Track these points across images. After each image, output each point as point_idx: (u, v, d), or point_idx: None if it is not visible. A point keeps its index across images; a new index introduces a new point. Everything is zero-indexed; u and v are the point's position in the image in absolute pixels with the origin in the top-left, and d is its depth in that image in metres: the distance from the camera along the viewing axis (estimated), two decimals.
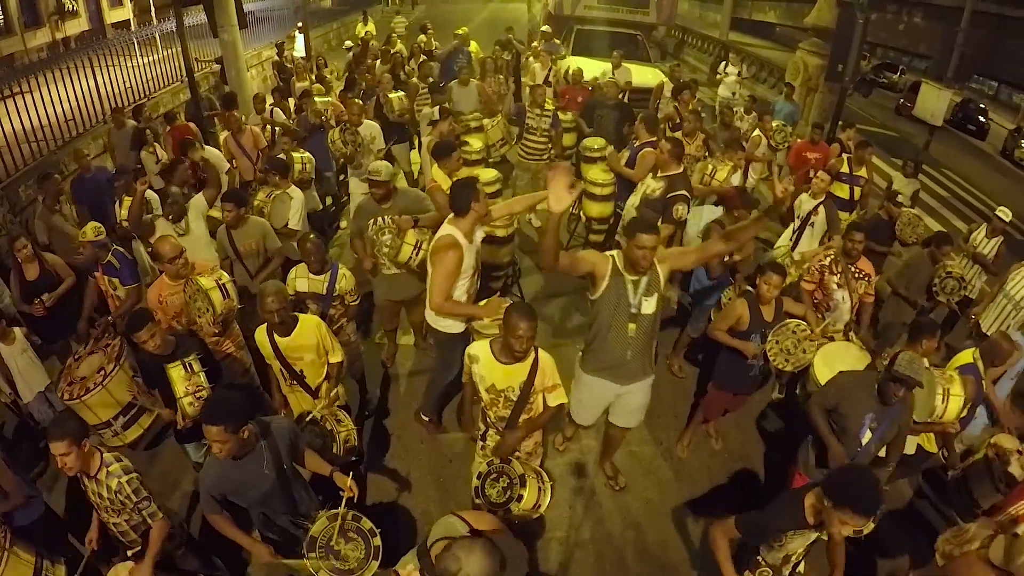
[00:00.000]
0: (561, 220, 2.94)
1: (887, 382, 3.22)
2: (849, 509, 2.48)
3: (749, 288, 4.48)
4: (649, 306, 3.34)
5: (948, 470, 4.11)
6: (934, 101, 10.42)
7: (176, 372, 3.34)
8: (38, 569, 2.89)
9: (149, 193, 5.54)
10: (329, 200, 7.62)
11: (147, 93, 9.38)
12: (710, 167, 5.74)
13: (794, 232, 5.61)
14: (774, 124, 8.42)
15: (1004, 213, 5.69)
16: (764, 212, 3.29)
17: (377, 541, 2.76)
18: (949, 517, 4.12)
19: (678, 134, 6.51)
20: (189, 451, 3.98)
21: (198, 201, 4.98)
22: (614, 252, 3.40)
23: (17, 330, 4.30)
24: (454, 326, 4.00)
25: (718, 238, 3.51)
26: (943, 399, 3.52)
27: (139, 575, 2.84)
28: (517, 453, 3.38)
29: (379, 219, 4.39)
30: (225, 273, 4.02)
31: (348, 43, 14.20)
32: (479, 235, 3.92)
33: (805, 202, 5.60)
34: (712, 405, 4.47)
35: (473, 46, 10.66)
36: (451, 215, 3.80)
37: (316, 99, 6.90)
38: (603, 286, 3.34)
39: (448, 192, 3.95)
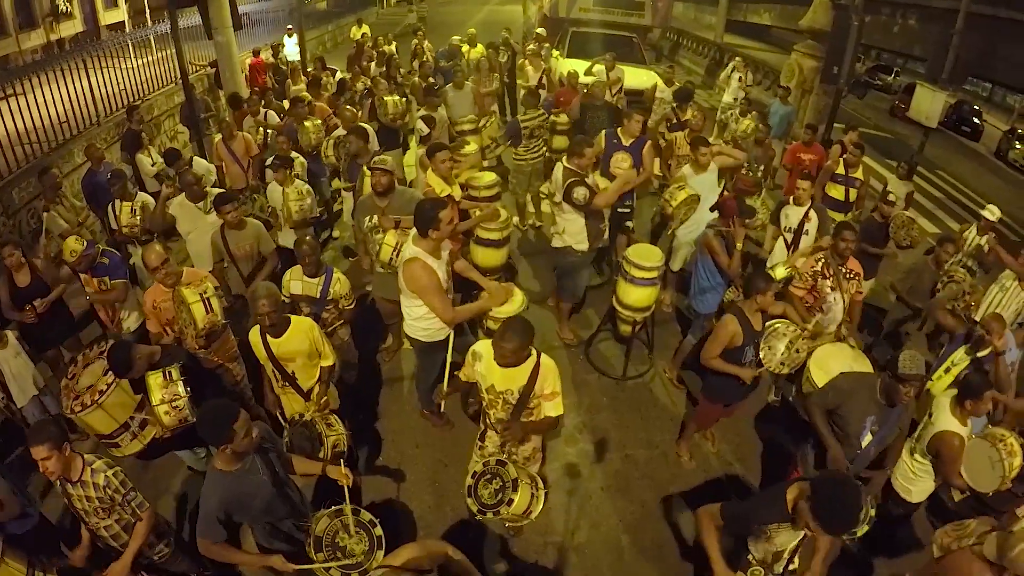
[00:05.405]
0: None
1: (894, 384, 3.21)
2: (820, 527, 2.46)
3: (734, 301, 4.40)
4: None
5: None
6: (929, 103, 10.47)
7: (154, 380, 3.29)
8: None
9: (144, 197, 5.55)
10: (321, 209, 7.59)
11: (141, 95, 9.34)
12: (672, 188, 5.34)
13: (788, 245, 5.36)
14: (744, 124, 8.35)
15: (991, 212, 5.76)
16: None
17: (379, 531, 2.79)
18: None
19: (680, 134, 6.43)
20: (185, 458, 3.95)
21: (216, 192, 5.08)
22: None
23: (10, 333, 4.29)
24: (435, 334, 3.99)
25: None
26: (1005, 475, 3.39)
27: (119, 567, 2.88)
28: (514, 457, 3.38)
29: (372, 218, 4.52)
30: (212, 286, 3.91)
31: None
32: (446, 253, 3.93)
33: (792, 212, 5.35)
34: (704, 416, 4.46)
35: (479, 49, 10.74)
36: (415, 234, 3.76)
37: (307, 124, 6.79)
38: None
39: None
